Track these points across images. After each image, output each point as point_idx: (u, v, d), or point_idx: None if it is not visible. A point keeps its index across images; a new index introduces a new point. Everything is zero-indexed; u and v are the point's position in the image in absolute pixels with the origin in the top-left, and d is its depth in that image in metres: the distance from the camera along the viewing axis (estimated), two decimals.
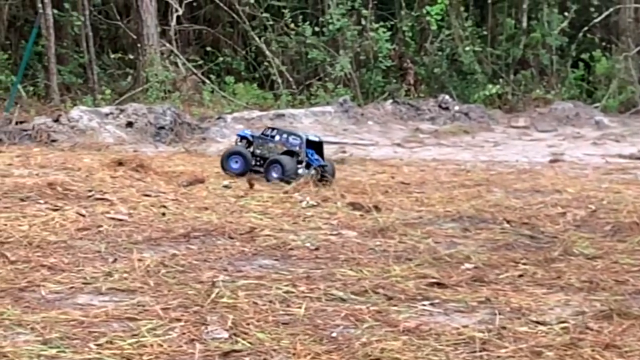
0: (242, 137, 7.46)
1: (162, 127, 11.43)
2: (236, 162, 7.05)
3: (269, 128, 7.73)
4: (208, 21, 17.06)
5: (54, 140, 10.16)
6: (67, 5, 14.19)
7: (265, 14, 16.11)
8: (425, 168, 8.62)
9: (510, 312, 3.32)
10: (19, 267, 3.67)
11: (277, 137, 7.33)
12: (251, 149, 7.27)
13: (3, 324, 2.97)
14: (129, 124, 11.16)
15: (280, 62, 15.97)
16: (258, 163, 7.12)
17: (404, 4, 16.70)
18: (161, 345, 2.85)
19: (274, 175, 6.87)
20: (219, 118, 12.39)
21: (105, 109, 11.41)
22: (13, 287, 3.38)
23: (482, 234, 4.87)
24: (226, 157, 7.14)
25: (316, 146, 7.37)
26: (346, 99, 13.76)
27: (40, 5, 13.29)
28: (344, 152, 10.53)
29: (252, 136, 7.42)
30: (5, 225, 4.28)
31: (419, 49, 16.71)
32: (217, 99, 14.60)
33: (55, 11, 13.73)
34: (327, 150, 10.91)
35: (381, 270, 3.96)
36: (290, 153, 7.13)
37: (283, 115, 12.97)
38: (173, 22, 15.41)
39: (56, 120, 10.59)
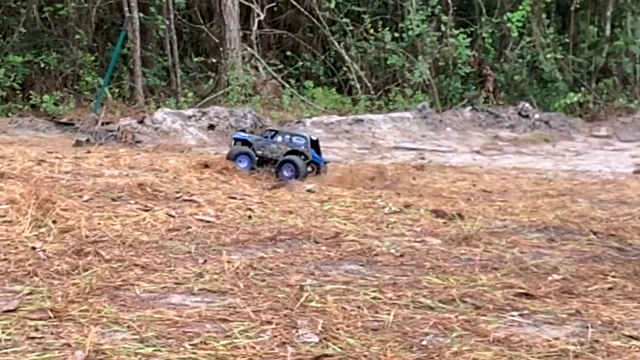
0: (239, 140, 7.66)
1: (243, 130, 11.56)
2: (241, 161, 7.23)
3: (268, 130, 7.98)
4: (288, 26, 17.20)
5: (138, 141, 10.37)
6: (152, 9, 14.47)
7: (345, 19, 16.18)
8: (506, 176, 8.54)
9: (601, 326, 3.28)
10: (114, 265, 3.76)
11: (280, 138, 7.60)
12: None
13: (101, 321, 3.05)
14: (211, 127, 11.33)
15: (359, 67, 16.01)
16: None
17: (484, 10, 16.58)
18: (254, 347, 2.90)
19: (286, 174, 7.12)
20: (298, 122, 12.49)
21: (188, 112, 11.61)
22: (109, 286, 3.47)
23: (568, 245, 4.82)
24: (234, 157, 7.30)
25: (314, 145, 7.71)
26: (425, 105, 13.72)
27: (126, 8, 13.61)
28: (423, 158, 10.51)
29: (252, 138, 7.64)
30: (99, 224, 4.40)
31: (499, 55, 16.56)
32: (296, 103, 14.72)
33: (141, 15, 14.04)
34: (406, 156, 10.94)
35: (467, 279, 3.95)
36: (294, 153, 7.39)
37: (362, 120, 13.00)
38: (254, 27, 15.59)
39: (141, 122, 10.82)
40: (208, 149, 10.27)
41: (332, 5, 16.01)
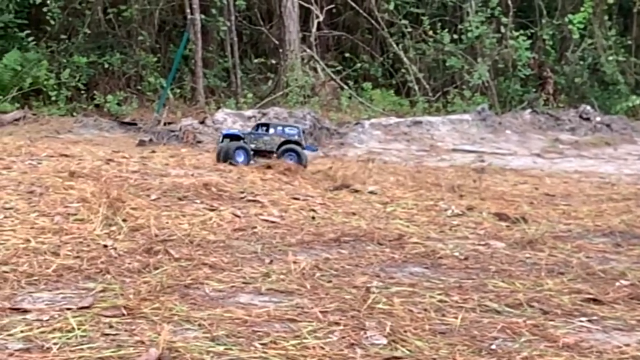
0: (228, 136, 7.85)
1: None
2: (239, 155, 7.47)
3: (259, 124, 8.28)
4: (347, 27, 17.24)
5: (199, 142, 10.50)
6: (214, 11, 14.63)
7: (403, 21, 16.16)
8: (568, 180, 8.46)
9: None
10: (183, 264, 3.82)
11: (272, 130, 7.95)
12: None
13: (173, 319, 3.10)
14: None
15: (418, 69, 15.98)
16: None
17: (544, 12, 16.42)
18: (323, 348, 2.92)
19: (288, 162, 7.46)
20: (357, 124, 12.51)
21: (248, 112, 11.72)
22: (179, 284, 3.52)
23: (635, 250, 4.76)
24: (233, 152, 7.48)
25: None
26: (484, 108, 13.64)
27: (188, 10, 13.77)
28: (482, 161, 10.45)
29: (243, 133, 7.92)
30: (167, 223, 4.47)
31: (560, 57, 16.39)
32: (355, 105, 14.75)
33: (203, 16, 14.20)
34: (465, 158, 10.89)
35: (534, 284, 3.92)
36: (288, 142, 7.77)
37: (420, 122, 12.97)
38: (314, 28, 15.66)
39: (202, 122, 10.96)
40: None
41: (391, 7, 16.01)
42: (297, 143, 7.85)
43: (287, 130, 8.02)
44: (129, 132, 11.45)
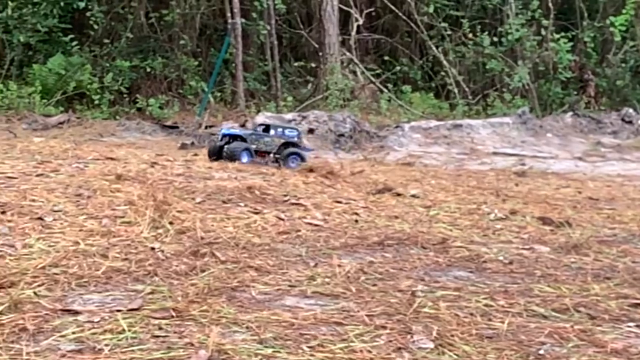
0: (228, 135, 7.84)
1: (342, 135, 11.68)
2: (245, 156, 7.71)
3: (260, 125, 8.57)
4: (386, 31, 17.23)
5: None
6: (254, 15, 14.71)
7: (443, 24, 16.12)
8: (611, 183, 8.39)
9: None
10: (229, 267, 3.85)
11: (273, 132, 8.18)
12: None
13: (221, 322, 3.13)
14: (311, 131, 11.47)
15: (457, 71, 15.92)
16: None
17: (585, 14, 16.28)
18: (370, 352, 2.93)
19: (292, 165, 7.77)
20: (397, 127, 12.51)
21: (288, 115, 11.78)
22: (226, 287, 3.56)
23: None
24: (239, 152, 7.71)
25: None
26: (525, 111, 13.56)
27: (229, 14, 13.86)
28: (523, 164, 10.40)
29: (245, 133, 8.17)
30: (213, 226, 4.51)
31: (601, 60, 16.23)
32: (394, 108, 14.74)
33: (243, 20, 14.28)
34: (506, 162, 10.84)
35: (580, 288, 3.90)
36: (287, 145, 8.06)
37: (460, 125, 12.94)
38: (353, 32, 15.68)
39: (243, 125, 11.03)
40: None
41: (431, 10, 15.97)
42: (296, 145, 8.13)
43: (286, 132, 8.25)
44: (171, 136, 11.55)
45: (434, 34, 16.34)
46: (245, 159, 7.68)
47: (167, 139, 11.19)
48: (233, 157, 7.47)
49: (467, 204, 6.07)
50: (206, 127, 11.70)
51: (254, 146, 7.90)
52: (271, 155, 7.94)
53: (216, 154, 7.73)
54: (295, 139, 8.21)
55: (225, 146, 7.74)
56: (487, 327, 3.27)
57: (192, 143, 10.28)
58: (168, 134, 11.74)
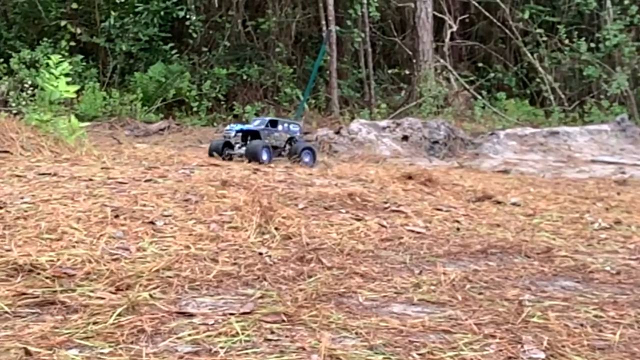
0: (245, 131, 8.27)
1: (436, 142, 11.63)
2: (265, 154, 7.93)
3: (269, 121, 8.67)
4: (480, 37, 17.10)
5: (335, 151, 10.64)
6: (348, 22, 14.80)
7: (538, 30, 15.90)
8: None
9: None
10: (335, 273, 3.90)
11: (280, 127, 8.41)
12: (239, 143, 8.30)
13: (330, 327, 3.16)
14: (405, 138, 11.45)
15: (553, 78, 15.67)
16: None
17: None
18: None
19: (306, 160, 8.12)
20: (492, 134, 12.39)
21: (383, 123, 11.79)
22: (333, 292, 3.60)
23: None
24: (260, 150, 7.91)
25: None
26: (624, 118, 13.27)
27: (324, 22, 13.98)
28: (623, 172, 10.16)
29: (259, 128, 8.37)
30: (317, 232, 4.57)
31: None
32: (488, 115, 14.62)
33: (337, 28, 14.38)
34: (604, 170, 10.61)
35: None
36: (292, 140, 8.37)
37: (557, 132, 12.73)
38: (447, 39, 15.62)
39: (337, 132, 11.10)
40: (402, 160, 10.39)
41: (526, 16, 15.79)
42: (296, 140, 8.45)
43: (291, 127, 8.52)
44: None
45: (529, 40, 16.14)
46: (265, 156, 7.87)
47: None
48: (255, 156, 7.64)
49: (569, 212, 5.98)
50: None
51: (266, 140, 8.13)
52: (285, 150, 8.22)
53: (219, 151, 7.90)
54: (297, 134, 8.51)
55: (245, 145, 7.98)
56: (599, 338, 3.23)
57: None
58: None
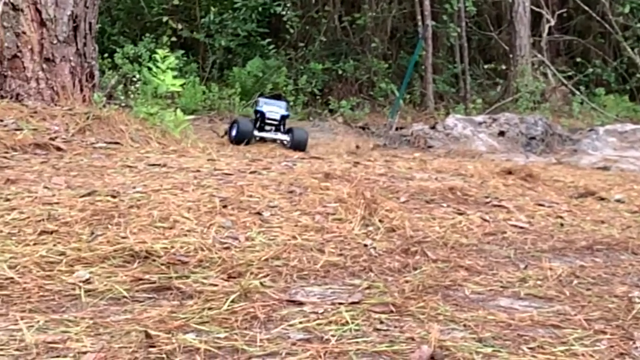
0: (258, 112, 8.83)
1: (533, 138, 11.49)
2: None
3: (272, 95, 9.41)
4: (578, 32, 16.79)
5: (430, 146, 10.63)
6: (444, 17, 14.72)
7: (639, 25, 15.51)
8: None
9: None
10: (440, 266, 3.92)
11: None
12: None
13: (438, 319, 3.19)
14: (501, 133, 11.35)
15: None
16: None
17: None
18: (592, 356, 2.91)
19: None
20: (590, 130, 12.17)
21: (479, 118, 11.71)
22: (439, 285, 3.62)
23: None
24: (306, 140, 8.27)
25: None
26: None
27: (419, 17, 13.94)
28: None
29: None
30: (420, 225, 4.59)
31: None
32: (587, 111, 14.35)
33: (433, 23, 14.33)
34: None
35: None
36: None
37: None
38: (544, 33, 15.38)
39: (432, 127, 11.07)
40: (498, 156, 10.30)
41: (627, 10, 15.42)
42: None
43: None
44: (362, 137, 11.75)
45: (630, 35, 15.76)
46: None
47: (358, 140, 11.39)
48: (300, 147, 7.79)
49: None
50: (397, 129, 11.82)
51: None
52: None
53: (249, 137, 7.97)
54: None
55: (278, 130, 8.16)
56: None
57: (385, 144, 10.43)
58: (359, 135, 11.95)
